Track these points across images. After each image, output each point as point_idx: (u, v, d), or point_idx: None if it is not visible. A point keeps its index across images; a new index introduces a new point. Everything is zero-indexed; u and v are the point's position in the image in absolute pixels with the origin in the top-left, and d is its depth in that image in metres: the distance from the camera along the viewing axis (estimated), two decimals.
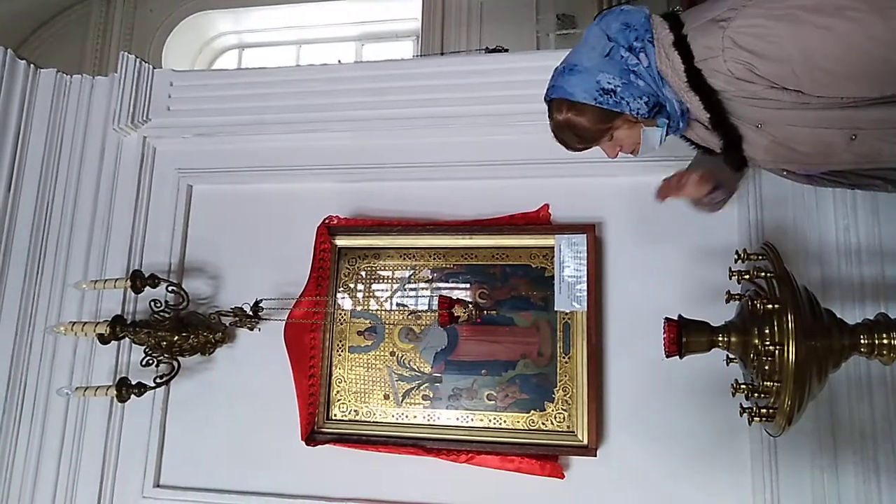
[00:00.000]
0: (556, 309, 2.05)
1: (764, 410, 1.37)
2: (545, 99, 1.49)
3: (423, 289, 2.17)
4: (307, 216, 2.23)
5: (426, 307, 2.14)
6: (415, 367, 2.12)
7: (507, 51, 4.42)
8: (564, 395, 2.01)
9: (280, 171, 2.33)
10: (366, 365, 2.15)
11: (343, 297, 2.20)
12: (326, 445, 2.07)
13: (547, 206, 2.14)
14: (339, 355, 2.16)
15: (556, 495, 1.97)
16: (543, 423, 2.01)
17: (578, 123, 1.42)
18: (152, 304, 2.15)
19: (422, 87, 2.28)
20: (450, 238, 2.16)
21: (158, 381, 2.15)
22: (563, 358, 2.03)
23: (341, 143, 2.30)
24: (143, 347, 2.14)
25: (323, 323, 2.16)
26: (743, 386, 1.45)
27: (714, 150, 1.54)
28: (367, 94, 2.30)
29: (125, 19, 6.46)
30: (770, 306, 1.34)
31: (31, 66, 2.49)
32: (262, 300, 2.15)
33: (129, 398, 2.10)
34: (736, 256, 1.50)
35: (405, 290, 2.18)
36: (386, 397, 2.12)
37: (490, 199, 2.18)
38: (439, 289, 2.14)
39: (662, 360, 1.52)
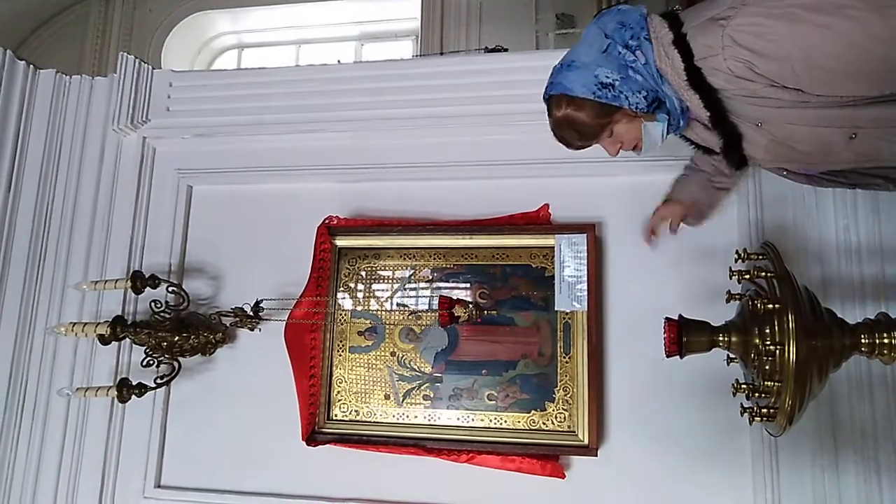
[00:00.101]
0: (556, 309, 2.05)
1: (765, 410, 1.37)
2: (544, 97, 1.49)
3: (423, 289, 2.17)
4: (307, 216, 2.22)
5: (426, 307, 2.14)
6: (415, 367, 2.12)
7: (506, 50, 4.42)
8: (565, 395, 2.01)
9: (280, 171, 2.33)
10: (366, 365, 2.15)
11: (343, 298, 2.20)
12: (327, 446, 2.07)
13: (547, 205, 2.14)
14: (340, 355, 2.16)
15: (557, 495, 1.97)
16: (544, 423, 2.01)
17: (578, 118, 1.42)
18: (153, 304, 2.15)
19: (421, 87, 2.28)
20: (450, 238, 2.16)
21: (159, 381, 2.15)
22: (564, 358, 2.03)
23: (341, 144, 2.30)
24: (144, 348, 2.14)
25: (323, 323, 2.16)
26: (744, 386, 1.45)
27: (714, 149, 1.54)
28: (367, 94, 2.30)
29: (124, 19, 6.46)
30: (770, 306, 1.34)
31: (31, 66, 2.49)
32: (262, 300, 2.15)
33: (129, 399, 2.10)
34: (736, 256, 1.50)
35: (405, 290, 2.18)
36: (386, 397, 2.12)
37: (490, 199, 2.18)
38: (440, 289, 2.14)
39: (663, 359, 1.52)
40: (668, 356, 1.48)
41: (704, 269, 2.00)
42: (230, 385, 2.22)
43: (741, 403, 1.51)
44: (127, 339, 2.15)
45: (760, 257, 1.46)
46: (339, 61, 3.62)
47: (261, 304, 2.15)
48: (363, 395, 2.13)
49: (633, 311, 2.03)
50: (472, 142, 2.21)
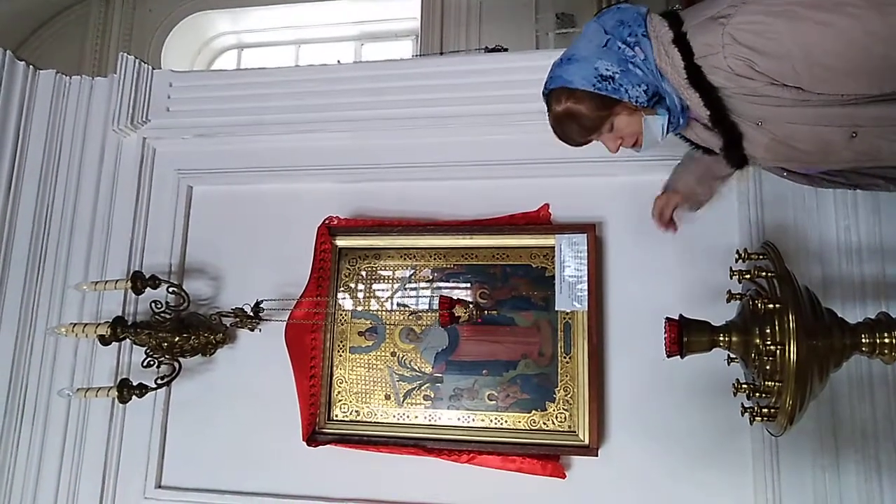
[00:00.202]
0: (556, 309, 2.05)
1: (765, 410, 1.37)
2: (543, 92, 1.49)
3: (423, 289, 2.17)
4: (307, 217, 2.22)
5: (427, 307, 2.14)
6: (416, 367, 2.12)
7: (506, 50, 4.42)
8: (565, 395, 2.01)
9: (280, 171, 2.33)
10: (367, 365, 2.15)
11: (344, 298, 2.20)
12: (328, 446, 2.07)
13: (547, 205, 2.14)
14: (340, 356, 2.16)
15: (558, 495, 1.97)
16: (545, 423, 2.01)
17: (577, 111, 1.42)
18: (153, 305, 2.15)
19: (421, 87, 2.28)
20: (450, 238, 2.16)
21: (159, 382, 2.15)
22: (564, 358, 2.03)
23: (341, 144, 2.29)
24: (144, 348, 2.14)
25: (324, 323, 2.16)
26: (744, 385, 1.45)
27: (714, 150, 1.54)
28: (367, 94, 2.30)
29: (124, 20, 6.46)
30: (771, 306, 1.34)
31: (31, 67, 2.49)
32: (262, 301, 2.15)
33: (130, 399, 2.10)
34: (737, 256, 1.50)
35: (406, 290, 2.18)
36: (387, 398, 2.12)
37: (490, 199, 2.18)
38: (440, 289, 2.14)
39: (664, 359, 1.52)
40: (668, 356, 1.48)
41: (705, 269, 1.99)
42: (231, 385, 2.22)
43: (742, 403, 1.51)
44: (127, 339, 2.15)
45: (761, 257, 1.46)
46: (338, 61, 3.62)
47: (261, 305, 2.15)
48: (364, 395, 2.13)
49: (633, 311, 2.03)
50: (472, 142, 2.21)
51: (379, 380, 2.13)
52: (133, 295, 2.21)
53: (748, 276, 1.48)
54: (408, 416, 2.09)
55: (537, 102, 1.53)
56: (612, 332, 2.04)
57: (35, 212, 2.39)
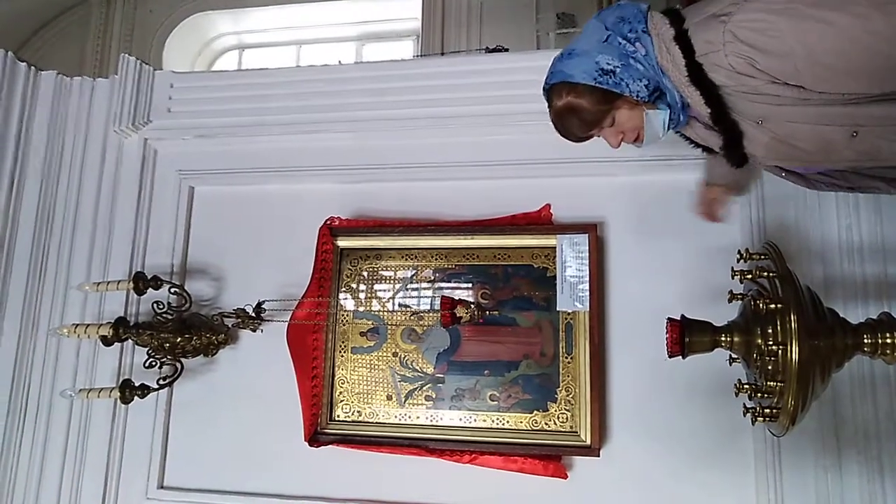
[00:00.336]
0: (558, 309, 2.05)
1: (767, 410, 1.37)
2: (544, 87, 1.49)
3: (425, 289, 2.17)
4: (309, 217, 2.23)
5: (428, 308, 2.14)
6: (417, 367, 2.12)
7: (507, 50, 4.42)
8: (567, 396, 2.01)
9: (281, 172, 2.33)
10: (368, 366, 2.15)
11: (345, 298, 2.20)
12: (329, 446, 2.07)
13: (548, 206, 2.14)
14: (342, 356, 2.17)
15: (559, 496, 1.97)
16: (546, 424, 2.01)
17: (578, 105, 1.42)
18: (155, 305, 2.15)
19: (422, 88, 2.28)
20: (451, 238, 2.16)
21: (161, 382, 2.15)
22: (566, 358, 2.03)
23: (342, 144, 2.30)
24: (146, 349, 2.14)
25: (325, 324, 2.16)
26: (746, 386, 1.44)
27: (714, 149, 1.54)
28: (368, 94, 2.30)
29: (125, 20, 6.47)
30: (773, 306, 1.34)
31: (32, 68, 2.49)
32: (264, 301, 2.15)
33: (132, 400, 2.10)
34: (738, 256, 1.50)
35: (407, 290, 2.18)
36: (389, 398, 2.12)
37: (491, 200, 2.18)
38: (441, 289, 2.14)
39: (665, 359, 1.52)
40: (670, 356, 1.48)
41: (706, 269, 1.99)
42: (232, 386, 2.22)
43: (744, 404, 1.51)
44: (129, 340, 2.15)
45: (763, 257, 1.46)
46: (339, 62, 3.62)
47: (263, 305, 2.15)
48: (365, 395, 2.13)
49: (635, 312, 2.03)
50: (473, 142, 2.21)
51: (381, 380, 2.13)
52: (135, 296, 2.21)
53: (750, 276, 1.47)
54: (409, 417, 2.09)
55: (538, 103, 1.53)
56: (613, 333, 2.04)
57: (37, 213, 2.39)
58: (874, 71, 1.24)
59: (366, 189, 2.29)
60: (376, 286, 2.20)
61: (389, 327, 2.16)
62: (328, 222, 2.22)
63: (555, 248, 2.08)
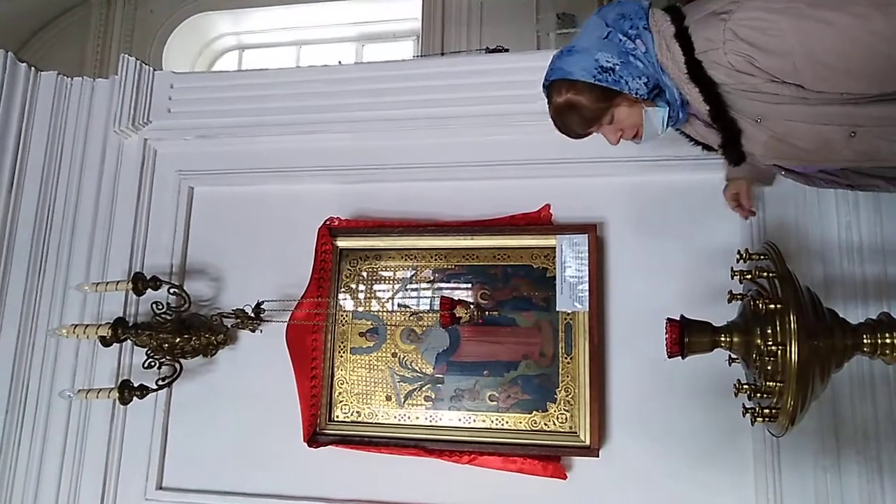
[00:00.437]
0: (557, 309, 2.05)
1: (767, 410, 1.37)
2: (544, 84, 1.49)
3: (424, 290, 2.17)
4: (308, 217, 2.22)
5: (428, 308, 2.14)
6: (417, 368, 2.12)
7: (507, 51, 4.42)
8: (567, 396, 2.00)
9: (281, 172, 2.33)
10: (368, 366, 2.15)
11: (344, 299, 2.20)
12: (328, 447, 2.07)
13: (548, 206, 2.14)
14: (341, 357, 2.16)
15: (559, 496, 1.96)
16: (546, 424, 2.01)
17: (578, 102, 1.43)
18: (154, 306, 2.15)
19: (422, 88, 2.28)
20: (451, 239, 2.16)
21: (160, 383, 2.15)
22: (566, 358, 2.03)
23: (342, 144, 2.30)
24: (145, 349, 2.14)
25: (324, 324, 2.16)
26: (745, 386, 1.44)
27: (713, 147, 1.54)
28: (368, 94, 2.30)
29: (125, 21, 6.47)
30: (772, 306, 1.33)
31: (32, 68, 2.49)
32: (263, 302, 2.15)
33: (131, 400, 2.10)
34: (738, 256, 1.50)
35: (407, 291, 2.18)
36: (388, 398, 2.12)
37: (491, 200, 2.18)
38: (441, 290, 2.14)
39: (665, 360, 1.51)
40: (669, 357, 1.48)
41: (706, 270, 1.99)
42: (232, 386, 2.22)
43: (743, 404, 1.51)
44: (128, 340, 2.15)
45: (762, 257, 1.45)
46: (339, 62, 3.63)
47: (262, 306, 2.15)
48: (364, 396, 2.13)
49: (634, 312, 2.02)
50: (473, 142, 2.21)
51: (380, 381, 2.13)
52: (134, 296, 2.21)
53: (749, 277, 1.47)
54: (409, 417, 2.09)
55: (538, 103, 1.53)
56: (613, 333, 2.04)
57: (36, 213, 2.39)
58: (874, 71, 1.24)
59: (365, 189, 2.29)
60: (376, 286, 2.20)
61: (389, 328, 2.16)
62: (327, 222, 2.22)
63: (554, 248, 2.08)
